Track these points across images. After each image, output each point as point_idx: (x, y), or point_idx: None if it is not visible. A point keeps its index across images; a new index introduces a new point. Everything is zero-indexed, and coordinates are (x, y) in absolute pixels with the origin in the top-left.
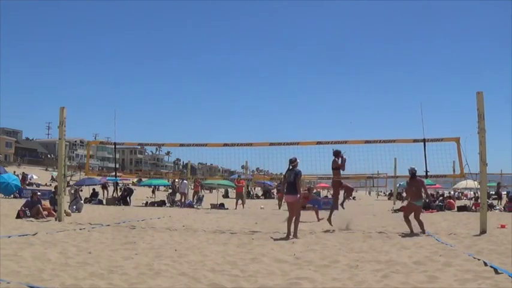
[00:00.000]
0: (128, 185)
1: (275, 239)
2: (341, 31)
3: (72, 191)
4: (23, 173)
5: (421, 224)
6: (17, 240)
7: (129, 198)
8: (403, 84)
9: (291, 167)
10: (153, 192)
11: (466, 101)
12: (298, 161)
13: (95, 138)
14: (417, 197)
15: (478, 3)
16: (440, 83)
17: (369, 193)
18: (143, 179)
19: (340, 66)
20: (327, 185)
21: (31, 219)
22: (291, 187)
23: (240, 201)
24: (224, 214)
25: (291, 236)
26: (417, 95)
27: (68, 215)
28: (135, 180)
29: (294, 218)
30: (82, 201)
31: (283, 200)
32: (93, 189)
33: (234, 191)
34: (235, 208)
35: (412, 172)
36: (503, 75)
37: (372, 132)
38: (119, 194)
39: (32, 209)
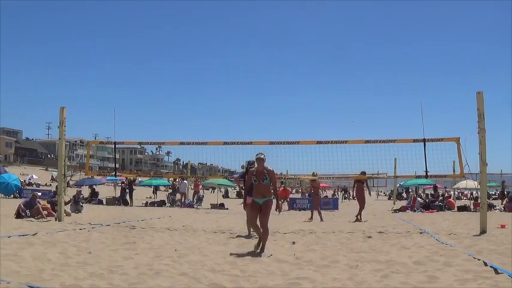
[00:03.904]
0: (129, 179)
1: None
2: (341, 31)
3: (74, 197)
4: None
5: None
6: (17, 240)
7: (130, 196)
8: (403, 84)
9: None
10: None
11: (466, 101)
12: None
13: (95, 138)
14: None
15: (478, 3)
16: (440, 83)
17: (369, 193)
18: (142, 179)
19: (340, 66)
20: (327, 185)
21: (31, 219)
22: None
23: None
24: (224, 214)
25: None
26: (417, 95)
27: (68, 215)
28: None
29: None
30: (82, 205)
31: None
32: (93, 189)
33: (235, 191)
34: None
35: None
36: (503, 75)
37: (372, 132)
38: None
39: (31, 209)
